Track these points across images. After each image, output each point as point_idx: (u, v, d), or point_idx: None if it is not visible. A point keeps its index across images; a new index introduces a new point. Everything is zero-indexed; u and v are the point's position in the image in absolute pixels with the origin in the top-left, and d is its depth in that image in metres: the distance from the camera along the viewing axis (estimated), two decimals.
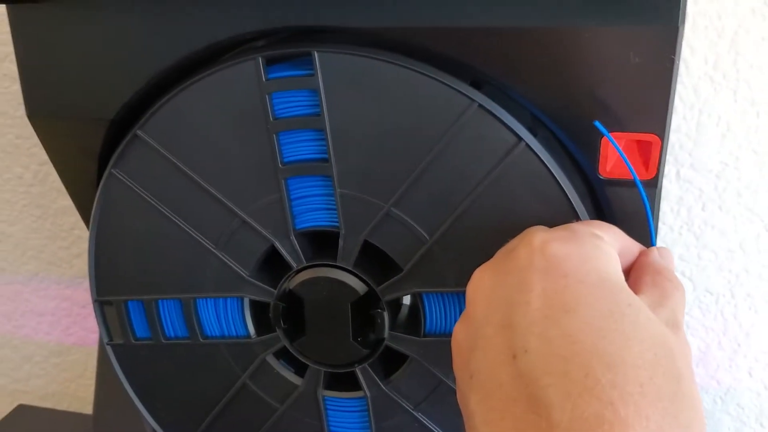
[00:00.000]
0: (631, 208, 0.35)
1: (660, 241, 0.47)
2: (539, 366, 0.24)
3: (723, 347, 0.49)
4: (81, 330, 0.60)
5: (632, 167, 0.33)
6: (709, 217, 0.46)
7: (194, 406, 0.41)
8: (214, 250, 0.37)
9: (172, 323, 0.40)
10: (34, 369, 0.62)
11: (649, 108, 0.32)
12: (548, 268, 0.27)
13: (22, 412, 0.52)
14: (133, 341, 0.41)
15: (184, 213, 0.37)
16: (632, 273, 0.30)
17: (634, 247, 0.31)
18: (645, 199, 0.31)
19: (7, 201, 0.56)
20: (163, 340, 0.40)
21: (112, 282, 0.40)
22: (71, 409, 0.57)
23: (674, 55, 0.30)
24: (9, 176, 0.55)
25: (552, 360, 0.24)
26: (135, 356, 0.41)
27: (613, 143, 0.32)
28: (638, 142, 0.33)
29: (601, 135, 0.33)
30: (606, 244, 0.29)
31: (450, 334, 0.36)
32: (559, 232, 0.29)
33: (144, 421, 0.43)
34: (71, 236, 0.57)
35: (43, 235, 0.57)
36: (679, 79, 0.43)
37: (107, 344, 0.41)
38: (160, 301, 0.40)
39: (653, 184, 0.34)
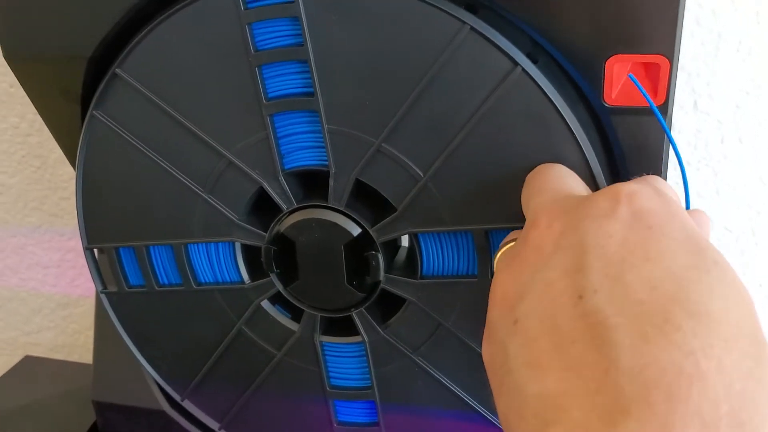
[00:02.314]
0: (641, 139, 0.32)
1: (678, 178, 0.45)
2: (610, 306, 0.22)
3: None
4: (87, 281, 0.59)
5: (643, 93, 0.31)
6: (729, 150, 0.43)
7: (192, 354, 0.41)
8: (202, 194, 0.36)
9: (165, 270, 0.39)
10: (43, 321, 0.62)
11: (656, 26, 0.29)
12: (633, 219, 0.24)
13: (28, 362, 0.52)
14: (127, 289, 0.40)
15: (169, 155, 0.36)
16: None
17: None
18: (665, 127, 0.29)
19: (5, 152, 0.56)
20: (157, 288, 0.39)
21: (102, 229, 0.39)
22: (82, 361, 0.57)
23: None
24: (5, 126, 0.54)
25: (626, 302, 0.22)
26: (130, 304, 0.40)
27: (638, 87, 0.30)
28: (645, 65, 0.30)
29: (605, 58, 0.30)
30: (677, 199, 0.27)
31: (447, 276, 0.35)
32: (643, 186, 0.26)
33: (143, 369, 0.42)
34: (71, 186, 0.56)
35: (44, 186, 0.57)
36: (696, 0, 0.40)
37: (101, 293, 0.40)
38: (151, 247, 0.38)
39: (663, 111, 0.31)
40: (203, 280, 0.39)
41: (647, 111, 0.31)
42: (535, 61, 0.31)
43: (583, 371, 0.21)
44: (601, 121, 0.32)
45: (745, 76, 0.41)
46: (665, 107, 0.31)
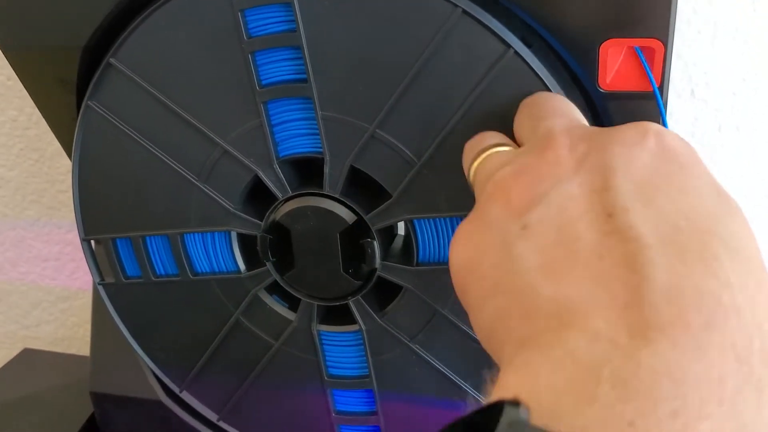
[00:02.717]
0: None
1: None
2: (644, 226, 0.20)
3: None
4: (86, 274, 0.59)
5: (639, 78, 0.31)
6: (726, 138, 0.43)
7: (189, 344, 0.41)
8: (197, 183, 0.36)
9: (161, 260, 0.39)
10: (42, 315, 0.62)
11: (650, 8, 0.29)
12: (663, 153, 0.23)
13: (26, 355, 0.52)
14: (124, 280, 0.40)
15: (164, 144, 0.36)
16: None
17: None
18: (662, 108, 0.29)
19: (3, 145, 0.56)
20: (154, 278, 0.39)
21: (99, 219, 0.39)
22: (81, 353, 0.57)
23: None
24: (3, 119, 0.54)
25: (661, 225, 0.20)
26: (127, 295, 0.40)
27: (645, 66, 0.30)
28: (641, 48, 0.30)
29: (599, 42, 0.30)
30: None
31: (444, 263, 0.35)
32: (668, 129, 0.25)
33: (140, 360, 0.42)
34: (69, 179, 0.56)
35: (42, 179, 0.57)
36: None
37: (99, 284, 0.40)
38: (147, 237, 0.38)
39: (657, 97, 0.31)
40: (200, 270, 0.39)
41: (642, 96, 0.31)
42: (529, 45, 0.31)
43: (611, 284, 0.19)
44: (596, 106, 0.32)
45: (742, 63, 0.41)
46: (660, 91, 0.31)
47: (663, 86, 0.31)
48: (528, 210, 0.23)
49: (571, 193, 0.23)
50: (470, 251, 0.24)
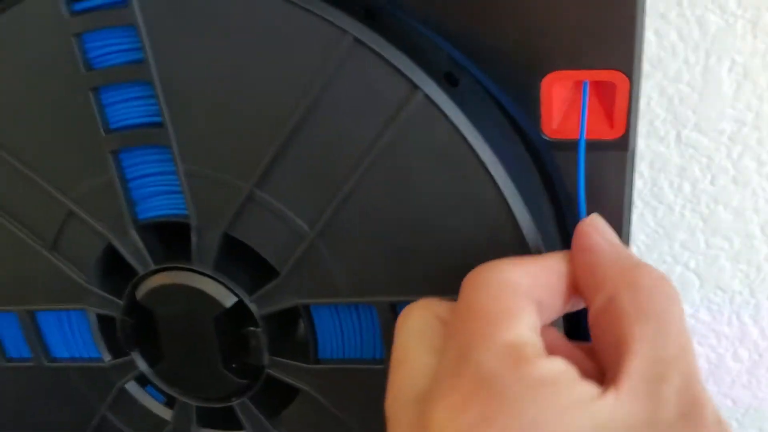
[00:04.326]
0: (597, 182, 0.25)
1: (656, 225, 0.37)
2: None
3: (740, 358, 0.38)
4: None
5: (597, 122, 0.24)
6: (721, 193, 0.35)
7: None
8: (42, 250, 0.28)
9: (14, 341, 0.32)
10: None
11: (607, 29, 0.21)
12: None
13: None
14: None
15: (4, 202, 0.28)
16: (595, 305, 0.20)
17: (548, 262, 0.21)
18: (581, 169, 0.21)
19: None
20: (4, 362, 0.32)
21: None
22: None
23: None
24: None
25: None
26: None
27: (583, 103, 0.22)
28: (596, 84, 0.23)
29: (540, 76, 0.22)
30: (533, 351, 0.18)
31: (348, 360, 0.27)
32: (472, 399, 0.18)
33: None
34: None
35: None
36: (678, 10, 0.32)
37: None
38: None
39: (622, 146, 0.24)
40: (57, 355, 0.31)
41: (603, 145, 0.24)
42: (454, 83, 0.23)
43: None
44: (542, 156, 0.25)
45: (740, 102, 0.34)
46: (624, 141, 0.23)
47: (629, 134, 0.23)
48: None
49: None
50: None
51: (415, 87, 0.22)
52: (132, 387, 0.30)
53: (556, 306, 0.21)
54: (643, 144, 0.35)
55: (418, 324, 0.21)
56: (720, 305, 0.37)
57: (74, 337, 0.31)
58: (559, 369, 0.18)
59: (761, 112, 0.34)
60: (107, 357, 0.30)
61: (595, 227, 0.21)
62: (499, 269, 0.20)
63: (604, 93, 0.23)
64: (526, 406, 0.17)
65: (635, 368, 0.18)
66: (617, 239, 0.21)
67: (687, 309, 0.37)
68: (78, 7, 0.24)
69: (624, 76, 0.22)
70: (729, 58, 0.33)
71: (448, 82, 0.23)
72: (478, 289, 0.20)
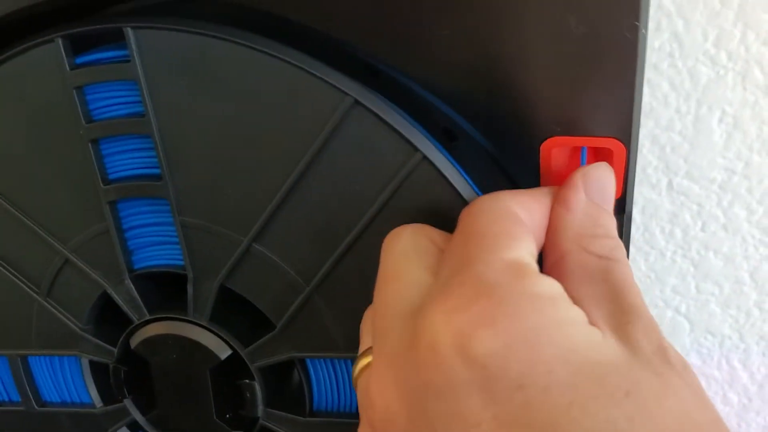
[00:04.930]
0: None
1: (648, 270, 0.37)
2: None
3: (729, 402, 0.39)
4: None
5: None
6: (711, 239, 0.36)
7: None
8: (37, 297, 0.28)
9: (4, 385, 0.31)
10: None
11: (606, 100, 0.22)
12: (487, 378, 0.17)
13: None
14: None
15: (0, 247, 0.28)
16: (548, 258, 0.20)
17: (543, 198, 0.21)
18: None
19: None
20: None
21: None
22: None
23: (638, 21, 0.20)
24: None
25: None
26: None
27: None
28: (593, 150, 0.23)
29: (539, 141, 0.23)
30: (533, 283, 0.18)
31: (342, 413, 0.27)
32: (472, 302, 0.17)
33: None
34: None
35: None
36: (669, 61, 0.33)
37: None
38: None
39: (619, 209, 0.24)
40: (48, 400, 0.31)
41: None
42: (452, 139, 0.23)
43: None
44: None
45: (730, 152, 0.34)
46: (622, 203, 0.24)
47: (626, 196, 0.24)
48: None
49: None
50: None
51: (415, 149, 0.22)
52: None
53: (540, 242, 0.21)
54: (636, 191, 0.35)
55: (411, 243, 0.20)
56: (710, 349, 0.37)
57: (66, 382, 0.30)
58: (557, 290, 0.18)
59: (751, 162, 0.34)
60: (99, 403, 0.30)
61: (586, 181, 0.21)
62: (498, 198, 0.20)
63: (601, 159, 0.23)
64: (527, 314, 0.17)
65: (597, 320, 0.18)
66: (606, 197, 0.21)
67: None
68: (80, 60, 0.24)
69: (621, 144, 0.22)
70: (720, 108, 0.34)
71: (446, 137, 0.23)
72: (478, 215, 0.20)
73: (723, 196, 0.35)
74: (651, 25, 0.32)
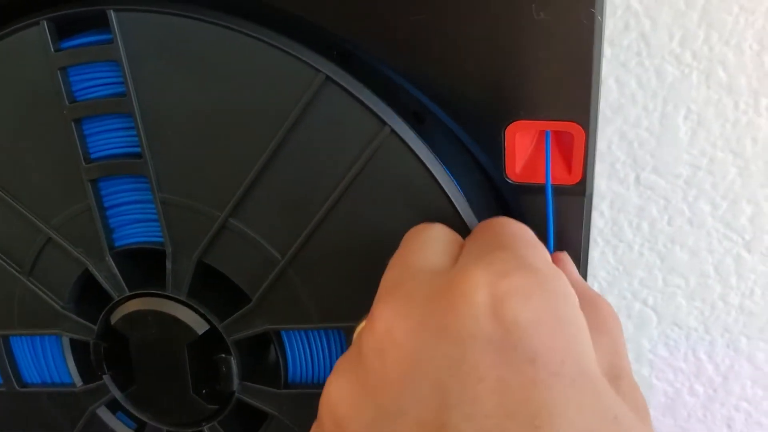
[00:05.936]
0: (557, 224, 0.26)
1: (616, 262, 0.38)
2: None
3: (695, 393, 0.40)
4: None
5: (558, 169, 0.25)
6: (677, 233, 0.37)
7: None
8: (19, 275, 0.29)
9: None
10: None
11: (566, 85, 0.23)
12: (506, 342, 0.18)
13: None
14: None
15: None
16: None
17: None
18: (549, 211, 0.23)
19: None
20: None
21: None
22: None
23: (593, 8, 0.21)
24: None
25: None
26: None
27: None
28: (554, 134, 0.24)
29: (504, 125, 0.24)
30: (569, 287, 0.20)
31: (317, 384, 0.28)
32: (516, 272, 0.19)
33: None
34: None
35: None
36: (637, 59, 0.34)
37: None
38: None
39: (579, 191, 0.25)
40: (29, 381, 0.31)
41: (564, 191, 0.25)
42: (421, 122, 0.25)
43: None
44: (507, 200, 0.26)
45: (695, 148, 0.35)
46: (582, 186, 0.25)
47: (585, 180, 0.25)
48: None
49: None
50: None
51: (383, 123, 0.23)
52: (103, 413, 0.31)
53: None
54: (604, 185, 0.37)
55: (440, 233, 0.22)
56: (677, 341, 0.39)
57: (46, 362, 0.31)
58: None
59: (715, 158, 0.36)
60: (79, 382, 0.30)
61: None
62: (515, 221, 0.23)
63: (563, 142, 0.24)
64: (559, 304, 0.19)
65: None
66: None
67: (645, 344, 0.39)
68: (65, 45, 0.25)
69: (580, 128, 0.23)
70: (685, 106, 0.35)
71: (415, 120, 0.24)
72: (505, 224, 0.22)
73: (688, 191, 0.36)
74: (620, 24, 0.34)
